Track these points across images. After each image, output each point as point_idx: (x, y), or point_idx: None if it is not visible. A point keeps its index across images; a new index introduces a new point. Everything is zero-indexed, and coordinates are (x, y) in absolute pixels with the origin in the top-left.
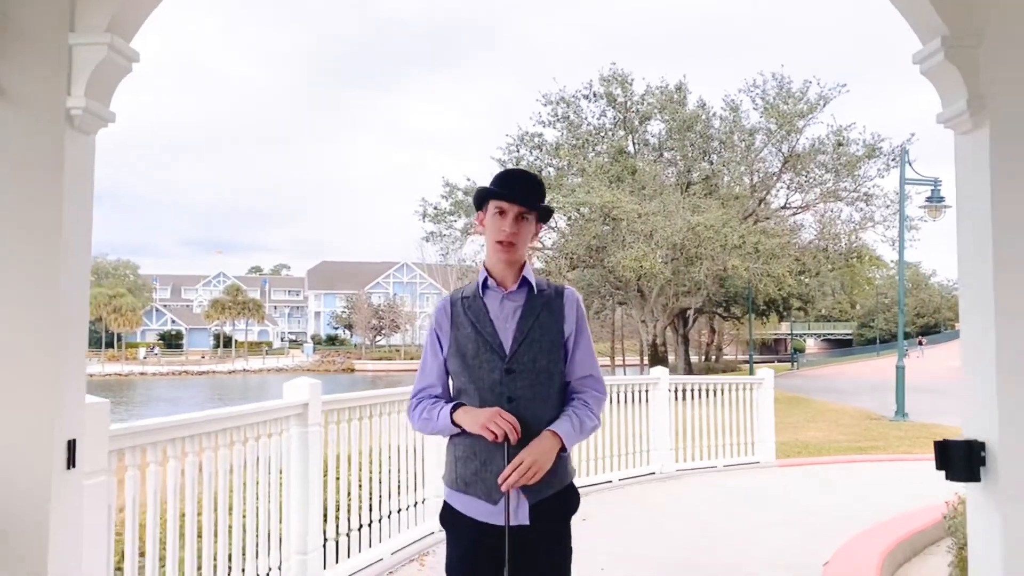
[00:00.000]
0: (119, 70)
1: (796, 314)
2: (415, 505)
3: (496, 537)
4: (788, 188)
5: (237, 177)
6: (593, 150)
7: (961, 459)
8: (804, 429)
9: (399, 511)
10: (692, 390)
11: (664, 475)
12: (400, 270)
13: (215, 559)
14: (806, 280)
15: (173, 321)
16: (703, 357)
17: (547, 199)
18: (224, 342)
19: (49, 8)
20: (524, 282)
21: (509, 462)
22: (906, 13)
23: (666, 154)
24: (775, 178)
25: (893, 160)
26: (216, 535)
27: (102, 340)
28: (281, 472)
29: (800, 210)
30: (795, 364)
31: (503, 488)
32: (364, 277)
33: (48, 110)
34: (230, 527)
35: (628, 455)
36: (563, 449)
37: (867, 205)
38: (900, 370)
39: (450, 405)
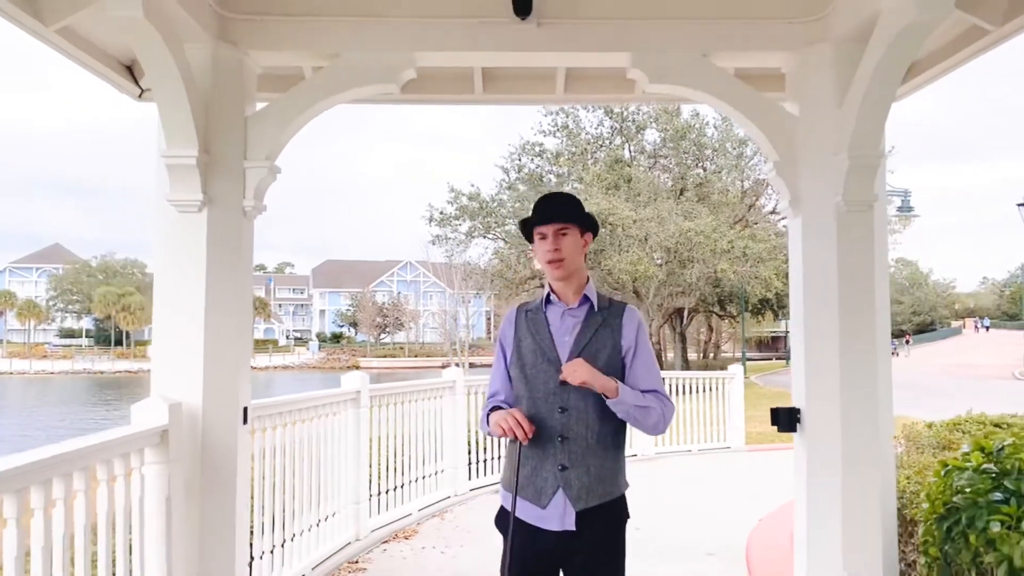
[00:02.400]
0: (270, 179)
1: (786, 313)
2: (436, 474)
3: (545, 540)
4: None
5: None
6: (592, 157)
7: (786, 419)
8: None
9: (424, 477)
10: (673, 384)
11: (644, 457)
12: (404, 268)
13: (303, 499)
14: (784, 283)
15: None
16: (701, 354)
17: None
18: None
19: (234, 146)
20: (585, 299)
21: (521, 462)
22: (758, 143)
23: (661, 161)
24: (765, 184)
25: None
26: (303, 483)
27: (111, 338)
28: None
29: (784, 218)
30: (787, 362)
31: (563, 374)
32: (368, 275)
33: (233, 208)
34: (311, 478)
35: None
36: (609, 398)
37: None
38: None
39: (492, 408)
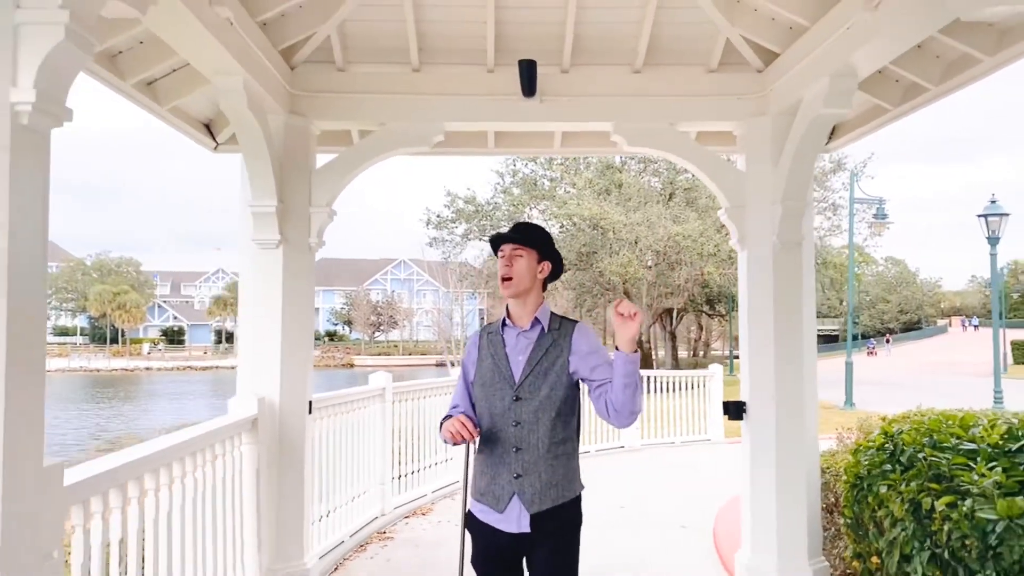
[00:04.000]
0: (328, 221)
1: None
2: (447, 460)
3: (504, 540)
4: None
5: (237, 172)
6: (584, 163)
7: (735, 410)
8: None
9: (437, 463)
10: (657, 381)
11: (631, 448)
12: (398, 267)
13: (344, 478)
14: None
15: (175, 317)
16: (691, 352)
17: (542, 208)
18: (226, 337)
19: (301, 196)
20: (536, 321)
21: (469, 462)
22: (714, 192)
23: (651, 167)
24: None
25: (856, 174)
26: (343, 464)
27: (106, 336)
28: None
29: None
30: None
31: (622, 308)
32: (362, 274)
33: (301, 244)
34: (349, 461)
35: (603, 432)
36: (634, 351)
37: (834, 214)
38: (848, 366)
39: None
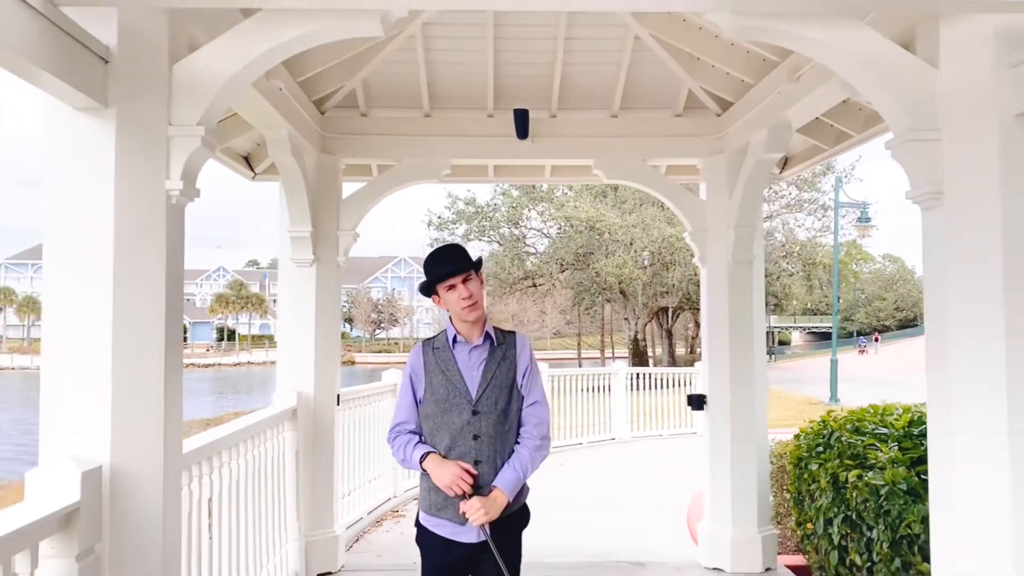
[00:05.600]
0: (353, 242)
1: (772, 310)
2: None
3: (462, 549)
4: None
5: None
6: None
7: (697, 401)
8: None
9: None
10: (650, 378)
11: (621, 440)
12: (398, 265)
13: (362, 462)
14: (768, 283)
15: None
16: (689, 349)
17: (540, 210)
18: (227, 335)
19: (330, 221)
20: (487, 336)
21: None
22: (680, 217)
23: None
24: (775, 180)
25: (845, 177)
26: (361, 449)
27: None
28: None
29: (766, 219)
30: (772, 357)
31: (472, 522)
32: (363, 272)
33: (330, 263)
34: (365, 447)
35: (596, 425)
36: (512, 501)
37: (824, 215)
38: (834, 363)
39: (421, 451)
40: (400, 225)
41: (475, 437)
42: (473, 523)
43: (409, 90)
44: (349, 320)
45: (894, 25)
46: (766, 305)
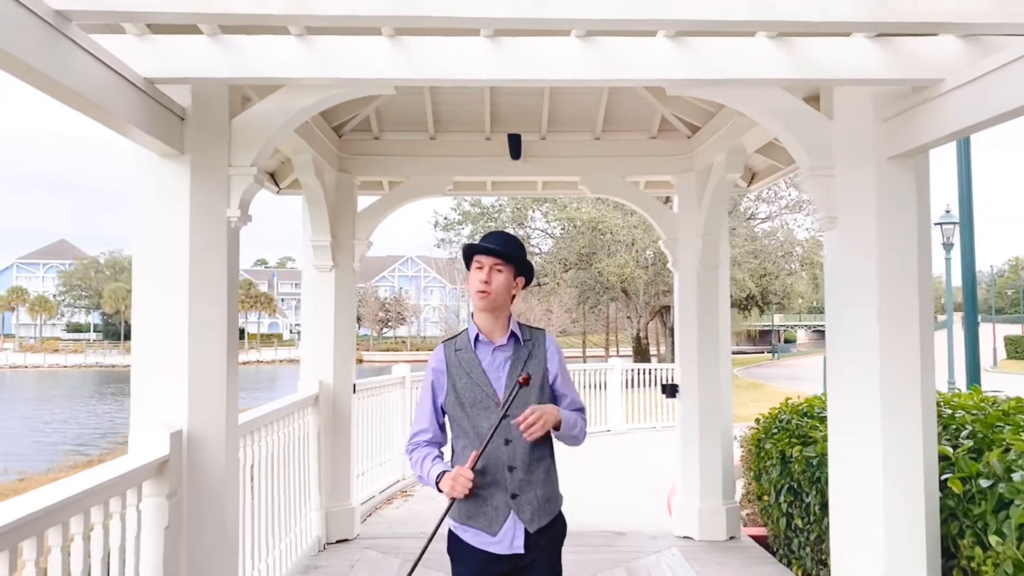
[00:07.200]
0: (367, 250)
1: (776, 308)
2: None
3: (496, 563)
4: (756, 200)
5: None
6: None
7: (670, 390)
8: (742, 407)
9: None
10: (643, 373)
11: (617, 432)
12: (405, 264)
13: (375, 446)
14: (768, 282)
15: None
16: None
17: (544, 211)
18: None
19: (347, 232)
20: (512, 335)
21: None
22: (655, 228)
23: None
24: (744, 193)
25: None
26: (374, 435)
27: (120, 332)
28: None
29: (766, 219)
30: (775, 354)
31: (528, 435)
32: (370, 271)
33: (348, 268)
34: (377, 433)
35: (593, 418)
36: (556, 428)
37: None
38: (825, 360)
39: (438, 471)
40: (407, 226)
41: (507, 442)
42: (529, 436)
43: (416, 116)
44: (356, 318)
45: (805, 87)
46: (768, 304)
